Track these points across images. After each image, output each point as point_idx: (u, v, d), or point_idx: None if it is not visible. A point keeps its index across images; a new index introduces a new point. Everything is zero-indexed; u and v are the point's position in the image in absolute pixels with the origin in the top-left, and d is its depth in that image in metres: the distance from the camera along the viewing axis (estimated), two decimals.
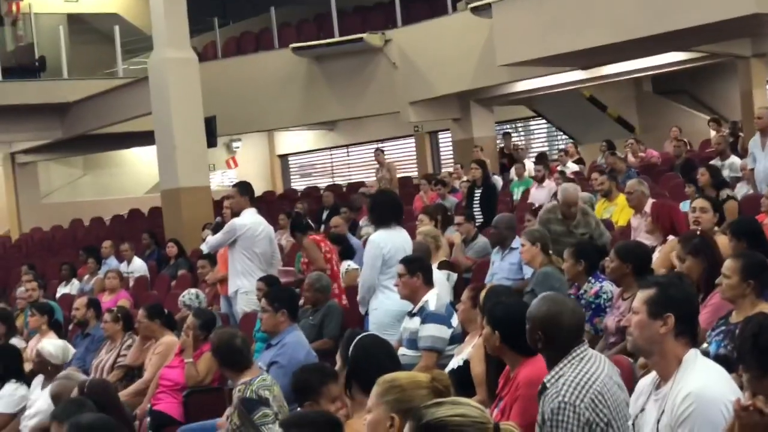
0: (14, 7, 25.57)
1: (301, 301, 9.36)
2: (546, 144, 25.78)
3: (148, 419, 8.27)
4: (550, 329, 4.47)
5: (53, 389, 6.99)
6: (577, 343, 4.51)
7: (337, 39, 21.10)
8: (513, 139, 22.42)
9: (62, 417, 5.39)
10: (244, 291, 10.54)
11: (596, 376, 4.41)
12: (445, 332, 7.23)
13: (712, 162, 13.81)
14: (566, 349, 4.47)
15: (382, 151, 20.64)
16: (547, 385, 4.42)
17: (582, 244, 8.16)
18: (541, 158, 17.29)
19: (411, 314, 7.52)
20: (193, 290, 11.28)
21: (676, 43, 16.85)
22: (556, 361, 4.47)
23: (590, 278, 7.59)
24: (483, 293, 5.26)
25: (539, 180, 15.74)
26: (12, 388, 8.60)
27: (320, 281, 9.37)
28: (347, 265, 10.92)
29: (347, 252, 11.59)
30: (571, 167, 18.29)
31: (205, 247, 12.35)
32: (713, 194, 10.31)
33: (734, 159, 13.32)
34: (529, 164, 18.38)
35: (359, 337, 4.95)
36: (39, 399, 8.24)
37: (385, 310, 8.38)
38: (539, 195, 15.27)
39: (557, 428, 4.31)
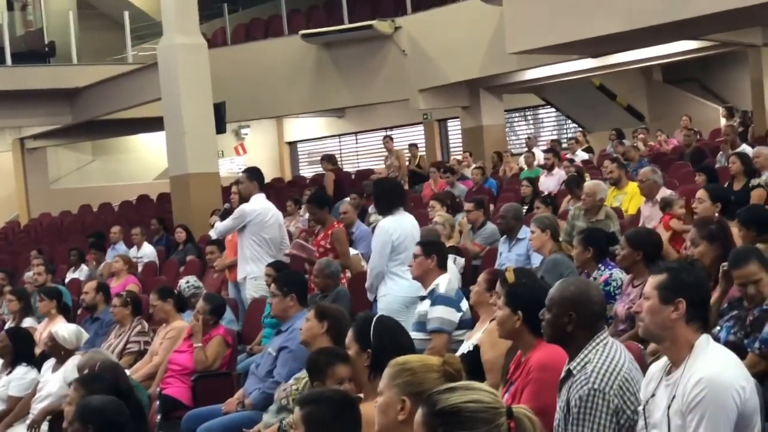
0: None
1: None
2: (555, 132, 25.75)
3: (158, 403, 8.28)
4: (581, 309, 4.42)
5: (80, 361, 7.02)
6: (601, 326, 4.49)
7: (346, 26, 21.07)
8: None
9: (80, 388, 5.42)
10: (253, 277, 10.54)
11: (622, 362, 4.36)
12: (453, 315, 7.24)
13: (720, 152, 13.81)
14: (594, 331, 4.43)
15: (391, 139, 20.65)
16: (573, 371, 4.37)
17: (591, 230, 8.13)
18: (551, 146, 17.29)
19: (422, 298, 7.53)
20: (191, 277, 11.25)
21: (687, 31, 16.81)
22: (580, 345, 4.41)
23: (599, 265, 7.56)
24: (509, 275, 5.22)
25: (548, 168, 15.73)
26: (23, 371, 8.62)
27: (329, 267, 9.36)
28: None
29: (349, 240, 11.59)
30: (581, 155, 18.30)
31: (213, 233, 12.35)
32: (744, 182, 10.29)
33: (745, 148, 13.24)
34: (539, 153, 18.39)
35: (378, 319, 4.96)
36: (50, 382, 8.26)
37: (394, 296, 8.40)
38: (549, 183, 15.28)
39: (586, 415, 4.26)
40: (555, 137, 24.05)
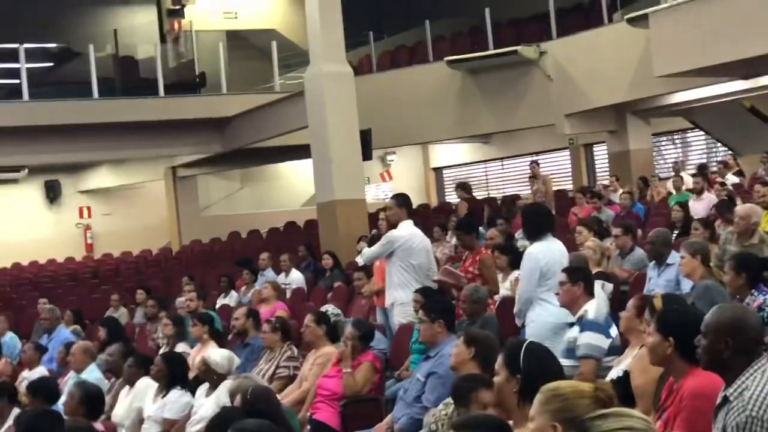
0: (176, 25, 26.25)
1: None
2: (704, 156, 25.30)
3: (308, 428, 8.37)
4: (739, 335, 4.33)
5: (231, 385, 7.15)
6: (759, 352, 4.39)
7: (491, 52, 21.08)
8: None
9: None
10: (400, 303, 10.54)
11: None
12: (603, 341, 7.17)
13: None
14: (751, 357, 4.33)
15: (538, 164, 20.53)
16: (730, 398, 4.28)
17: (744, 255, 7.96)
18: (701, 170, 16.99)
19: (571, 324, 7.48)
20: (329, 306, 11.31)
21: None
22: (737, 372, 4.31)
23: (753, 291, 7.39)
24: (657, 301, 5.16)
25: (698, 192, 15.47)
26: (177, 394, 8.80)
27: (477, 293, 9.35)
28: (516, 274, 10.76)
29: (516, 261, 11.47)
30: (731, 179, 17.95)
31: (361, 259, 12.43)
32: None
33: None
34: (687, 177, 18.09)
35: (528, 345, 4.94)
36: (204, 406, 8.42)
37: (542, 322, 8.34)
38: (698, 207, 15.01)
39: None
40: (704, 161, 23.62)
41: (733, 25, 15.40)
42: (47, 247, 26.35)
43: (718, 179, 17.37)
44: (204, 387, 8.66)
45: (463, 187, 17.89)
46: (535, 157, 23.12)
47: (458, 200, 17.98)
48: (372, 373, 8.81)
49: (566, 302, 7.55)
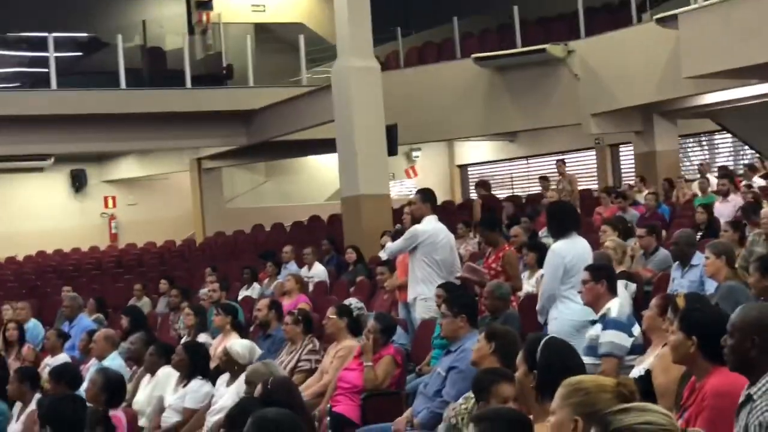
0: (204, 17, 26.31)
1: None
2: (731, 159, 25.18)
3: (328, 419, 8.39)
4: (765, 334, 4.30)
5: (249, 371, 7.18)
6: None
7: (519, 50, 21.06)
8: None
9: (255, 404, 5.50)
10: (423, 298, 10.55)
11: None
12: (625, 340, 7.14)
13: None
14: None
15: (564, 163, 20.49)
16: (754, 396, 4.25)
17: None
18: (724, 172, 16.93)
19: (593, 322, 7.46)
20: (353, 299, 11.32)
21: None
22: (762, 371, 4.27)
23: None
24: (680, 300, 5.14)
25: (723, 194, 15.41)
26: (198, 384, 8.82)
27: (500, 289, 9.34)
28: (542, 272, 10.76)
29: (544, 259, 11.45)
30: (758, 183, 17.85)
31: (384, 254, 12.42)
32: None
33: None
34: (713, 179, 18.02)
35: (547, 340, 4.91)
36: (224, 396, 8.44)
37: (564, 319, 8.33)
38: (724, 210, 14.93)
39: None
40: (729, 164, 23.52)
41: (762, 26, 15.33)
42: (72, 236, 26.48)
43: (744, 182, 17.28)
44: (224, 377, 8.68)
45: (483, 186, 17.90)
46: (561, 156, 23.09)
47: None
48: (393, 367, 8.81)
49: (589, 300, 7.54)
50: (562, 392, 3.70)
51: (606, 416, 3.04)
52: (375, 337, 8.81)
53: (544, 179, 21.05)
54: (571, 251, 8.47)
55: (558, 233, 8.72)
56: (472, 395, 6.06)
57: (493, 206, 18.26)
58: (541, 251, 10.92)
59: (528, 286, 10.87)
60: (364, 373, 8.69)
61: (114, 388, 7.67)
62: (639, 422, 2.96)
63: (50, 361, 11.13)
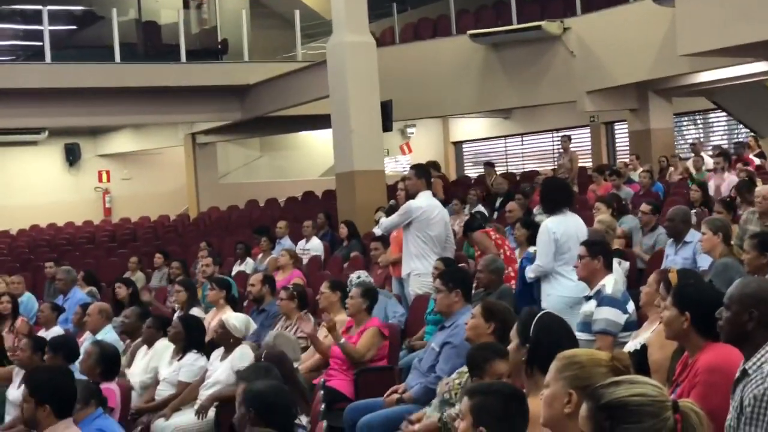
0: None
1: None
2: (725, 137, 25.19)
3: (321, 393, 8.41)
4: (763, 307, 4.30)
5: (267, 340, 7.25)
6: None
7: (515, 26, 21.00)
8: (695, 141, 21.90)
9: (248, 378, 5.55)
10: (417, 273, 10.56)
11: None
12: (619, 317, 7.14)
13: None
14: None
15: (569, 138, 20.44)
16: (749, 371, 4.24)
17: (765, 234, 7.93)
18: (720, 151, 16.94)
19: (587, 298, 7.47)
20: (362, 272, 11.35)
21: None
22: (758, 345, 4.28)
23: None
24: (672, 276, 5.14)
25: (719, 172, 15.42)
26: (193, 357, 8.85)
27: (494, 263, 9.36)
28: (533, 249, 10.78)
29: (535, 236, 11.47)
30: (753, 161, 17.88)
31: (378, 230, 12.44)
32: None
33: None
34: (707, 158, 18.04)
35: (540, 315, 4.90)
36: (218, 370, 8.47)
37: (558, 296, 8.37)
38: (718, 187, 14.96)
39: (760, 415, 4.13)
40: (725, 142, 23.53)
41: (758, 5, 15.30)
42: (66, 210, 26.47)
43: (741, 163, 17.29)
44: (219, 351, 8.70)
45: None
46: (558, 134, 23.07)
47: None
48: (378, 338, 8.81)
49: (585, 276, 7.54)
50: (557, 365, 3.70)
51: (597, 389, 3.06)
52: (356, 302, 8.85)
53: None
54: (561, 227, 8.50)
55: (551, 209, 8.74)
56: (467, 370, 6.08)
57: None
58: (533, 229, 10.94)
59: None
60: (343, 347, 8.70)
61: (109, 361, 7.70)
62: (630, 394, 2.97)
63: (44, 334, 11.13)
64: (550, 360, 3.82)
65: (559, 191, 8.94)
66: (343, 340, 8.72)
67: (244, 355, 8.43)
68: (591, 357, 3.73)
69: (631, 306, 7.27)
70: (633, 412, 2.94)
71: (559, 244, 8.44)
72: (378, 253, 12.59)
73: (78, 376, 6.91)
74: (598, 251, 7.52)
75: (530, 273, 8.71)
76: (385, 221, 11.39)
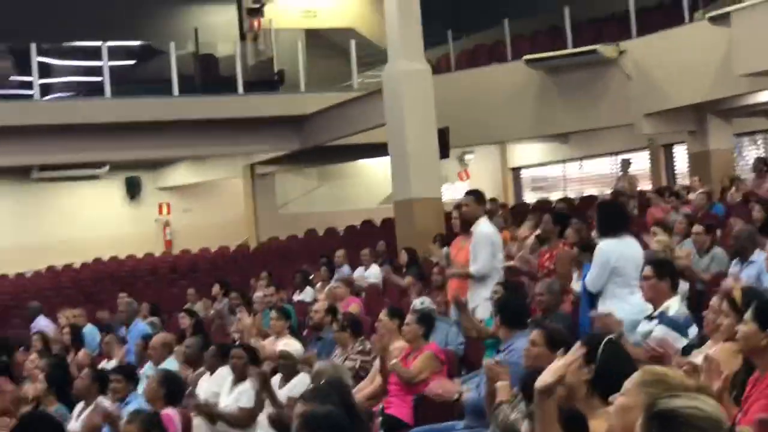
0: (256, 24, 26.46)
1: None
2: None
3: (379, 419, 8.42)
4: None
5: (317, 368, 7.32)
6: None
7: (570, 51, 20.98)
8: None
9: (310, 400, 5.58)
10: (486, 298, 10.48)
11: None
12: (678, 340, 7.06)
13: None
14: None
15: (629, 162, 20.33)
16: None
17: None
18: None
19: (650, 318, 7.40)
20: (425, 298, 11.33)
21: None
22: None
23: None
24: (737, 293, 5.10)
25: None
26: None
27: (554, 285, 9.34)
28: None
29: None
30: None
31: (475, 272, 11.68)
32: None
33: None
34: None
35: (607, 341, 4.87)
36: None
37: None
38: None
39: None
40: None
41: None
42: (127, 243, 26.64)
43: None
44: (277, 378, 8.75)
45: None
46: (614, 158, 22.93)
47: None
48: (433, 362, 8.80)
49: (650, 297, 7.48)
50: (641, 377, 3.67)
51: (655, 400, 3.04)
52: (413, 328, 8.83)
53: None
54: (616, 250, 8.43)
55: (606, 232, 8.68)
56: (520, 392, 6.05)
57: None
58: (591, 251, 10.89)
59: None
60: (396, 369, 8.69)
61: (173, 385, 7.78)
62: (683, 405, 2.96)
63: (106, 365, 11.24)
64: (612, 388, 3.80)
65: (614, 215, 8.90)
66: (394, 361, 8.71)
67: (302, 384, 8.47)
68: (681, 382, 3.69)
69: (693, 330, 7.19)
70: (682, 423, 2.92)
71: (615, 267, 8.39)
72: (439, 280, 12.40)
73: (143, 404, 6.99)
74: (665, 272, 7.45)
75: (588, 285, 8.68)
76: (478, 266, 10.49)
